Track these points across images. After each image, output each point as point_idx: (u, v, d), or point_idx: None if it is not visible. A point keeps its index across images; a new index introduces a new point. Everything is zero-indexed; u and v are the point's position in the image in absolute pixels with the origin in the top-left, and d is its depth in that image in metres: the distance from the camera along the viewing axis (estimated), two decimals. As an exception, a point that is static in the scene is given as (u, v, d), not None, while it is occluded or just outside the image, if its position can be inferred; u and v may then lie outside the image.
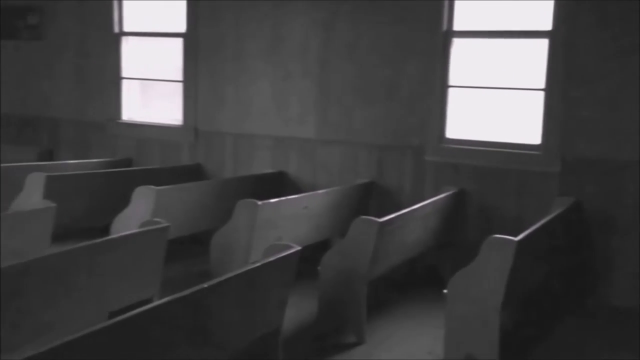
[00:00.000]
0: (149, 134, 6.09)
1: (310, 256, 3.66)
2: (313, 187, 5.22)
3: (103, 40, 6.17)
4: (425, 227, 4.36)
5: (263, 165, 5.59)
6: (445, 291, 3.17)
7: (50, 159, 6.29)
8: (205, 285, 2.42)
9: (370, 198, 5.15)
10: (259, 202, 4.01)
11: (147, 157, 6.06)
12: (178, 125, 5.99)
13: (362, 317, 3.63)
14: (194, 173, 5.74)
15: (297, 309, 3.85)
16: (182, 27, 5.86)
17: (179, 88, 5.96)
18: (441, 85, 4.93)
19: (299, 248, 3.00)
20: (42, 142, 6.49)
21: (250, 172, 5.54)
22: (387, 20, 5.05)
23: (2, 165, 5.19)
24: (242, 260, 3.90)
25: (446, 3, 4.86)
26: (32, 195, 4.36)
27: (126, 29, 6.15)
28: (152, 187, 4.30)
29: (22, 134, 6.61)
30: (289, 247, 3.00)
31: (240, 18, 5.59)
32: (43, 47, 6.44)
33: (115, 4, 6.09)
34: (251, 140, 5.65)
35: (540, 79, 4.62)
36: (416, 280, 4.76)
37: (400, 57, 5.04)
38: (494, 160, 4.77)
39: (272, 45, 5.50)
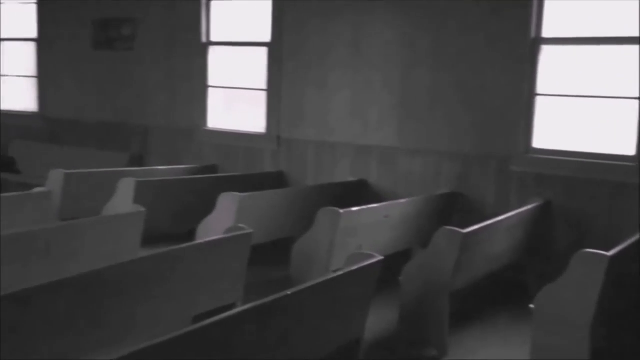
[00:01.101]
0: (233, 142, 6.22)
1: (391, 266, 3.63)
2: (394, 196, 5.18)
3: (191, 50, 6.36)
4: (511, 239, 4.24)
5: (344, 174, 5.60)
6: (531, 306, 3.07)
7: (141, 165, 6.53)
8: (289, 293, 2.43)
9: (452, 208, 5.06)
10: (341, 211, 4.01)
11: (231, 163, 6.19)
12: (261, 133, 6.08)
13: (444, 330, 3.56)
14: (276, 180, 5.81)
15: (378, 319, 3.82)
16: (267, 37, 5.95)
17: (262, 96, 6.06)
18: (529, 94, 4.80)
19: (381, 258, 2.98)
20: (133, 148, 6.74)
21: (331, 180, 5.57)
22: (473, 27, 4.97)
23: (95, 170, 5.44)
24: (323, 269, 3.90)
25: (534, 10, 4.73)
26: (124, 199, 4.53)
27: (213, 39, 6.32)
28: (237, 193, 4.38)
29: (114, 140, 6.88)
30: (370, 256, 2.98)
31: (323, 28, 5.64)
32: (135, 57, 6.70)
33: (204, 15, 6.26)
34: (333, 148, 5.68)
35: (634, 87, 4.42)
36: (501, 294, 4.64)
37: (486, 65, 4.94)
38: (585, 171, 4.59)
39: (354, 54, 5.51)
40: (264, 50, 6.00)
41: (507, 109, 4.88)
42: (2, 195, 4.47)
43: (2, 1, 7.65)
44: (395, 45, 5.32)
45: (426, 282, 3.55)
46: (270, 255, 5.00)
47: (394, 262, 3.84)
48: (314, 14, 5.67)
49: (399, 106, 5.35)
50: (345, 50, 5.55)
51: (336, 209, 4.02)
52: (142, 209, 3.83)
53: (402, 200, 4.72)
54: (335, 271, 2.97)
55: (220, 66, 6.36)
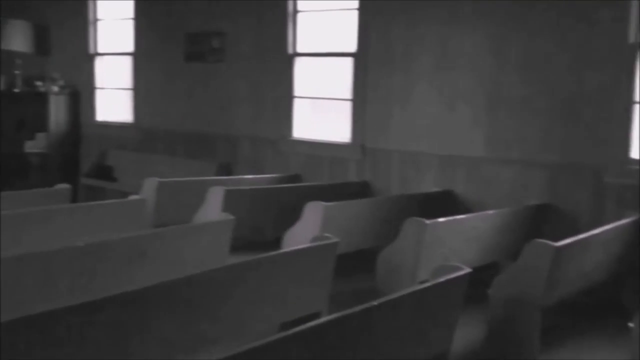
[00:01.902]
0: (318, 151, 6.27)
1: (479, 278, 3.55)
2: (481, 207, 5.08)
3: (277, 61, 6.47)
4: (606, 254, 4.06)
5: (429, 184, 5.54)
6: (630, 325, 2.92)
7: (228, 174, 6.69)
8: (375, 303, 2.43)
9: (543, 220, 4.91)
10: (427, 221, 3.97)
11: (316, 173, 6.24)
12: (346, 142, 6.11)
13: (535, 347, 3.45)
14: (360, 190, 5.81)
15: (465, 333, 3.74)
16: (352, 47, 5.99)
17: (347, 106, 6.10)
18: (626, 101, 4.60)
19: (469, 270, 2.93)
20: (221, 157, 6.92)
21: (416, 190, 5.51)
22: (565, 32, 4.82)
23: (186, 179, 5.62)
24: (409, 280, 3.87)
25: (634, 12, 4.54)
26: (213, 207, 4.65)
27: (299, 50, 6.41)
28: (322, 202, 4.41)
29: (203, 149, 7.09)
30: (458, 268, 2.93)
31: (409, 36, 5.61)
32: (224, 68, 6.89)
33: (290, 27, 6.37)
34: (418, 158, 5.63)
35: None
36: (595, 311, 4.44)
37: (580, 71, 4.77)
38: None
39: (440, 62, 5.46)
40: (349, 60, 6.04)
41: (601, 117, 4.69)
42: (100, 202, 4.70)
43: (100, 18, 8.06)
44: (482, 52, 5.23)
45: (516, 297, 3.46)
46: (355, 265, 5.00)
47: (482, 275, 3.76)
48: (399, 23, 5.66)
49: (487, 114, 5.25)
50: (431, 58, 5.50)
51: (422, 219, 3.98)
52: (231, 216, 3.92)
53: (490, 212, 4.62)
54: (421, 283, 2.95)
55: (306, 76, 6.44)
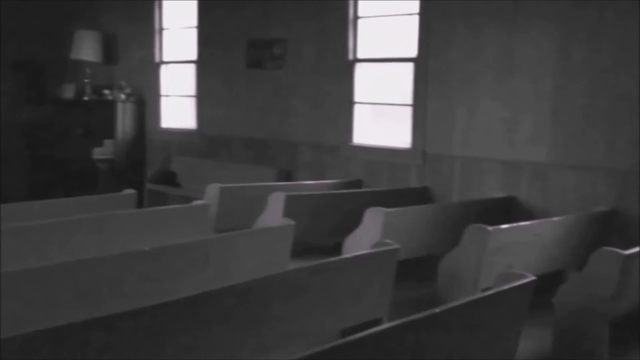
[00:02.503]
0: (378, 157, 6.26)
1: (543, 287, 3.46)
2: (545, 214, 4.96)
3: (338, 67, 6.50)
4: (679, 263, 3.90)
5: (492, 189, 5.45)
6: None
7: (289, 180, 6.75)
8: (437, 310, 2.41)
9: (609, 228, 4.76)
10: (489, 228, 3.90)
11: (376, 179, 6.23)
12: (406, 148, 6.08)
13: (604, 359, 3.34)
14: (421, 196, 5.77)
15: (530, 343, 3.65)
16: (413, 52, 5.96)
17: (408, 111, 6.07)
18: (699, 105, 4.42)
19: (533, 278, 2.86)
20: (282, 163, 6.98)
21: (478, 197, 5.43)
22: (633, 34, 4.66)
23: (248, 184, 5.70)
24: (471, 287, 3.82)
25: None
26: (274, 213, 4.71)
27: (360, 56, 6.42)
28: (383, 208, 4.40)
29: (264, 155, 7.18)
30: (522, 276, 2.87)
31: (471, 41, 5.54)
32: (285, 75, 6.96)
33: (350, 33, 6.38)
34: (479, 164, 5.55)
35: None
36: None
37: (650, 75, 4.61)
38: None
39: (504, 66, 5.37)
40: (409, 66, 6.01)
41: (674, 121, 4.52)
42: (164, 207, 4.82)
43: (166, 27, 8.27)
44: (548, 56, 5.12)
45: (583, 307, 3.36)
46: (416, 271, 4.97)
47: (546, 284, 3.67)
48: (461, 27, 5.60)
49: (552, 119, 5.13)
50: (495, 62, 5.42)
51: (484, 226, 3.93)
52: (292, 222, 3.95)
53: (555, 219, 4.51)
54: (484, 290, 2.90)
55: (366, 82, 6.45)
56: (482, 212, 4.99)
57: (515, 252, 4.05)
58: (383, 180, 6.18)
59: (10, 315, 2.57)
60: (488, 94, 5.48)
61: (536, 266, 4.08)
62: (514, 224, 4.19)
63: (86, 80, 8.52)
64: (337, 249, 4.52)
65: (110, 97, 8.27)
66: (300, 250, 4.34)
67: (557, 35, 5.06)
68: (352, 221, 4.56)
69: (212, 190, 5.19)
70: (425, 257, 4.88)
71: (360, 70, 6.44)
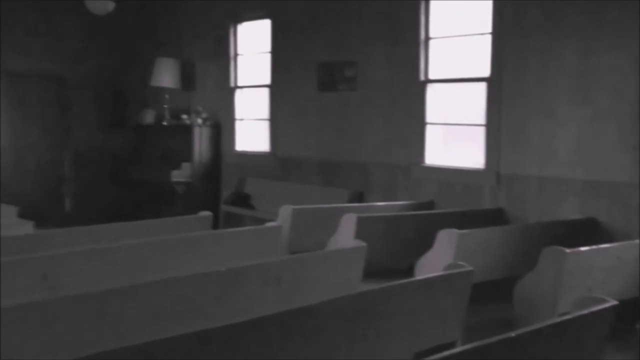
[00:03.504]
0: (450, 178, 6.19)
1: (626, 313, 3.33)
2: (627, 236, 4.76)
3: (409, 88, 6.49)
4: None
5: (570, 211, 5.28)
6: None
7: (360, 201, 6.76)
8: (513, 334, 2.36)
9: (699, 251, 4.52)
10: (567, 250, 3.79)
11: (449, 200, 6.15)
12: (480, 168, 5.99)
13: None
14: (495, 217, 5.66)
15: (611, 370, 3.52)
16: (485, 72, 5.89)
17: (480, 131, 5.98)
18: None
19: (615, 303, 2.75)
20: (354, 184, 7.01)
21: (555, 218, 5.28)
22: None
23: (320, 206, 5.75)
24: (549, 311, 3.71)
25: None
26: (346, 234, 4.72)
27: (431, 76, 6.40)
28: (456, 230, 4.34)
29: (336, 177, 7.23)
30: (602, 300, 2.77)
31: (546, 59, 5.43)
32: (356, 97, 7.01)
33: (422, 54, 6.38)
34: (557, 184, 5.40)
35: None
36: None
37: None
38: None
39: (581, 83, 5.23)
40: (482, 86, 5.94)
41: None
42: (239, 229, 4.92)
43: (240, 53, 8.50)
44: (630, 74, 4.95)
45: (669, 333, 3.20)
46: (490, 294, 4.86)
47: (629, 309, 3.52)
48: (537, 45, 5.49)
49: (634, 136, 4.94)
50: (571, 80, 5.29)
51: (562, 248, 3.81)
52: (363, 243, 3.96)
53: (637, 241, 4.32)
54: (562, 315, 2.81)
55: (438, 103, 6.41)
56: (559, 234, 4.85)
57: (595, 275, 3.91)
58: (456, 201, 6.09)
59: (107, 331, 2.69)
60: (566, 113, 5.34)
61: (618, 290, 3.92)
62: (594, 247, 4.04)
63: (165, 106, 8.85)
64: (409, 271, 4.48)
65: (187, 122, 8.55)
66: (372, 272, 4.33)
67: (637, 47, 4.89)
68: (425, 243, 4.52)
69: (285, 212, 5.26)
70: (500, 280, 4.77)
71: (432, 90, 6.41)
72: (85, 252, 3.64)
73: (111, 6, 7.78)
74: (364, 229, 4.72)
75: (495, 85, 5.80)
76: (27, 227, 7.89)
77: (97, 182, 9.45)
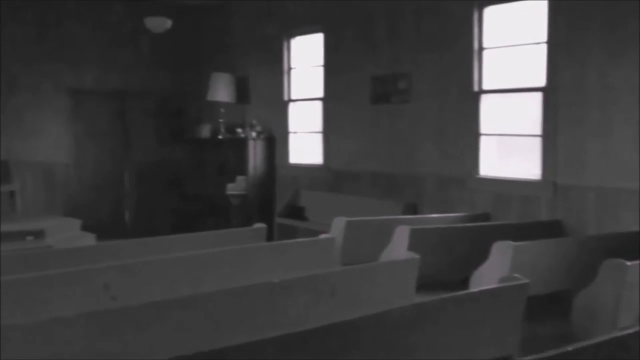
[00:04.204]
0: (505, 189, 6.11)
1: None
2: (693, 249, 4.60)
3: (463, 99, 6.45)
4: None
5: (631, 223, 5.13)
6: None
7: (414, 213, 6.73)
8: (570, 348, 2.31)
9: None
10: (628, 263, 3.69)
11: (504, 212, 6.07)
12: (535, 179, 5.89)
13: None
14: (552, 229, 5.54)
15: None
16: (541, 82, 5.80)
17: (536, 142, 5.89)
18: None
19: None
20: (407, 196, 6.99)
21: (615, 230, 5.14)
22: None
23: (373, 218, 5.75)
24: (609, 325, 3.62)
25: None
26: (399, 246, 4.72)
27: (485, 86, 6.34)
28: (511, 242, 4.29)
29: (389, 189, 7.22)
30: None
31: (604, 67, 5.31)
32: (409, 109, 7.00)
33: (475, 65, 6.33)
34: (617, 195, 5.26)
35: None
36: None
37: None
38: None
39: (640, 94, 5.10)
40: (537, 96, 5.85)
41: None
42: (293, 241, 4.98)
43: (294, 67, 8.61)
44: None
45: None
46: (546, 308, 4.77)
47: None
48: (594, 54, 5.38)
49: (697, 147, 4.79)
50: (633, 88, 5.15)
51: (622, 261, 3.72)
52: (417, 255, 3.95)
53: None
54: (623, 329, 2.75)
55: (492, 113, 6.35)
56: (619, 246, 4.71)
57: (658, 289, 3.79)
58: (511, 213, 6.01)
59: (166, 340, 2.77)
60: (627, 121, 5.20)
61: (682, 305, 3.80)
62: (656, 259, 3.92)
63: (220, 120, 9.03)
64: (463, 283, 4.44)
65: (242, 135, 8.69)
66: (425, 284, 4.31)
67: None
68: (479, 255, 4.47)
69: (338, 224, 5.29)
70: (557, 293, 4.68)
71: (485, 101, 6.35)
72: (144, 263, 3.75)
73: (169, 23, 8.02)
74: (417, 241, 4.71)
75: (552, 94, 5.71)
76: (90, 239, 8.16)
77: (156, 195, 9.70)
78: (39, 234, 7.56)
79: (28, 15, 8.77)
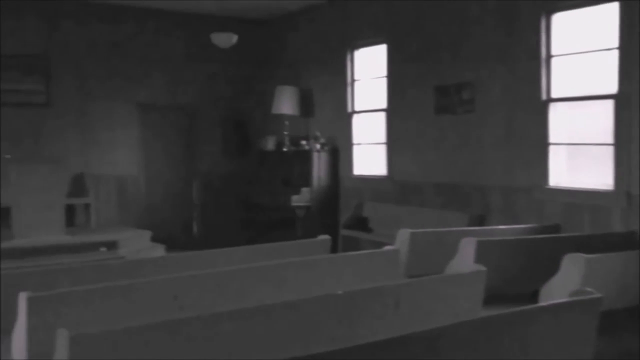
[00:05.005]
0: (576, 200, 5.93)
1: None
2: None
3: (530, 108, 6.31)
4: None
5: None
6: None
7: (481, 224, 6.61)
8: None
9: None
10: None
11: (575, 223, 5.88)
12: (608, 189, 5.69)
13: None
14: (627, 241, 5.33)
15: None
16: (613, 89, 5.62)
17: (608, 151, 5.70)
18: None
19: None
20: (473, 207, 6.87)
21: (695, 242, 4.92)
22: None
23: (438, 229, 5.69)
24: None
25: None
26: (465, 258, 4.64)
27: (554, 95, 6.19)
28: (583, 255, 4.15)
29: (454, 200, 7.12)
30: None
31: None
32: (474, 119, 6.91)
33: (543, 73, 6.19)
34: (696, 206, 5.03)
35: None
36: None
37: None
38: None
39: None
40: (609, 103, 5.67)
41: None
42: (357, 252, 4.97)
43: (357, 79, 8.63)
44: None
45: None
46: (621, 323, 4.59)
47: None
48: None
49: None
50: None
51: (703, 275, 3.54)
52: (483, 268, 3.87)
53: None
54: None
55: (561, 122, 6.18)
56: (700, 259, 4.51)
57: None
58: (583, 224, 5.82)
59: (234, 351, 2.82)
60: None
61: None
62: None
63: (285, 133, 9.13)
64: (532, 297, 4.33)
65: (306, 147, 8.77)
66: (492, 297, 4.22)
67: None
68: (549, 268, 4.35)
69: (403, 236, 5.25)
70: (633, 308, 4.50)
71: (554, 110, 6.20)
72: (211, 274, 3.82)
73: (235, 39, 8.19)
74: (484, 253, 4.62)
75: (625, 102, 5.52)
76: (159, 250, 8.39)
77: (222, 207, 9.88)
78: (112, 245, 7.82)
79: (99, 35, 9.12)
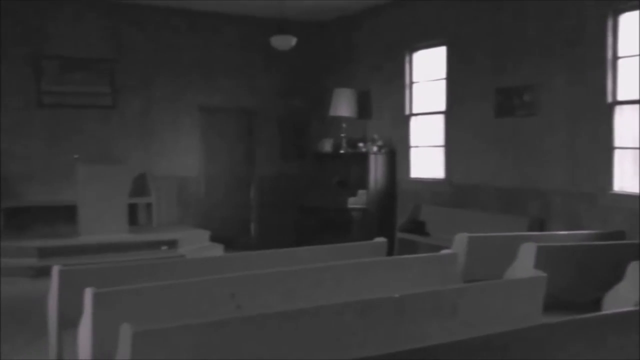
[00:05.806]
0: (643, 206, 5.73)
1: None
2: None
3: (595, 111, 6.14)
4: None
5: None
6: None
7: (541, 230, 6.47)
8: None
9: None
10: None
11: (642, 230, 5.69)
12: (678, 196, 5.49)
13: None
14: (697, 249, 5.13)
15: None
16: (682, 91, 5.43)
17: (679, 156, 5.50)
18: None
19: None
20: (533, 212, 6.73)
21: None
22: None
23: (497, 234, 5.59)
24: None
25: None
26: (524, 264, 4.55)
27: (620, 97, 6.00)
28: (648, 263, 4.03)
29: (514, 204, 6.99)
30: None
31: None
32: (536, 122, 6.76)
33: (609, 74, 6.02)
34: None
35: None
36: None
37: None
38: None
39: None
40: (679, 106, 5.47)
41: None
42: (413, 256, 4.94)
43: (416, 81, 8.58)
44: None
45: None
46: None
47: None
48: None
49: None
50: None
51: None
52: (543, 274, 3.79)
53: None
54: None
55: (628, 125, 5.98)
56: None
57: None
58: (650, 231, 5.62)
59: (286, 349, 2.84)
60: None
61: None
62: None
63: (342, 135, 9.14)
64: (594, 305, 4.21)
65: (363, 150, 8.76)
66: (553, 304, 4.13)
67: None
68: (613, 276, 4.23)
69: (461, 240, 5.19)
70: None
71: (621, 113, 6.01)
72: (268, 274, 3.86)
73: (294, 41, 8.26)
74: (544, 259, 4.52)
75: (695, 105, 5.31)
76: (218, 250, 8.54)
77: (280, 209, 9.97)
78: (172, 244, 8.01)
79: (162, 39, 9.34)
